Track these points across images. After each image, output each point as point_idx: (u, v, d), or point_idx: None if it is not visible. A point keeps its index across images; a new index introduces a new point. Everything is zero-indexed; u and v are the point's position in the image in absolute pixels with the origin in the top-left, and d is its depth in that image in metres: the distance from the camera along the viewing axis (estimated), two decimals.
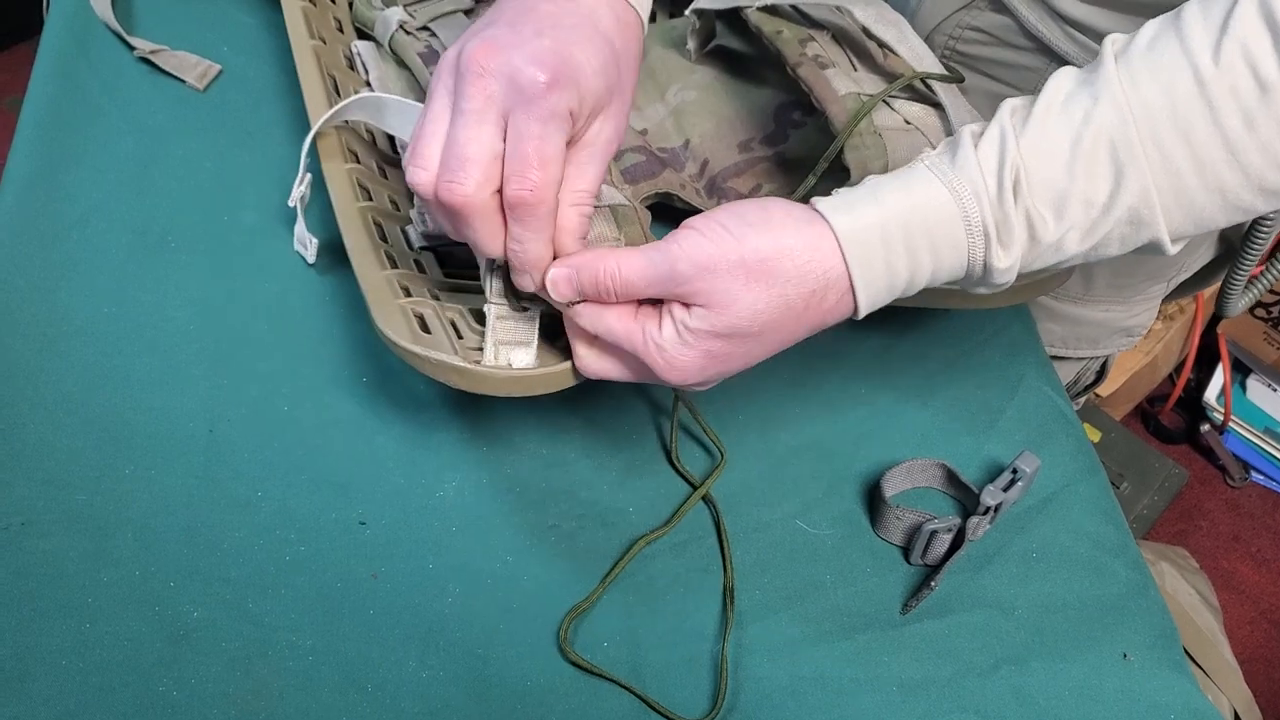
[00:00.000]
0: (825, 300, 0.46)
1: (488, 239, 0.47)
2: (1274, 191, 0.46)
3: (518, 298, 0.52)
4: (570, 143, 0.47)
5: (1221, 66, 0.43)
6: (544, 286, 0.49)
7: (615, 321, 0.48)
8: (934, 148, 0.60)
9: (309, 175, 0.61)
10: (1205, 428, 1.75)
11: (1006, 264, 0.46)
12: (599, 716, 0.53)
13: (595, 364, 0.51)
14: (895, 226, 0.45)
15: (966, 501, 0.62)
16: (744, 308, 0.46)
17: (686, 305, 0.47)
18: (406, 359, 0.51)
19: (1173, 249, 0.47)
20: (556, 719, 0.53)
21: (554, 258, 0.48)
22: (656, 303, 0.48)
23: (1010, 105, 0.47)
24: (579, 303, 0.49)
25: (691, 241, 0.46)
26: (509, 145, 0.45)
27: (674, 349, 0.47)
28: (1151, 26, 0.47)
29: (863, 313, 0.48)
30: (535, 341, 0.52)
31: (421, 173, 0.45)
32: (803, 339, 0.49)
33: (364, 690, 0.52)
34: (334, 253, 0.65)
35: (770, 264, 0.45)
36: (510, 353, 0.51)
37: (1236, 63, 0.43)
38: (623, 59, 0.48)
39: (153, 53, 0.74)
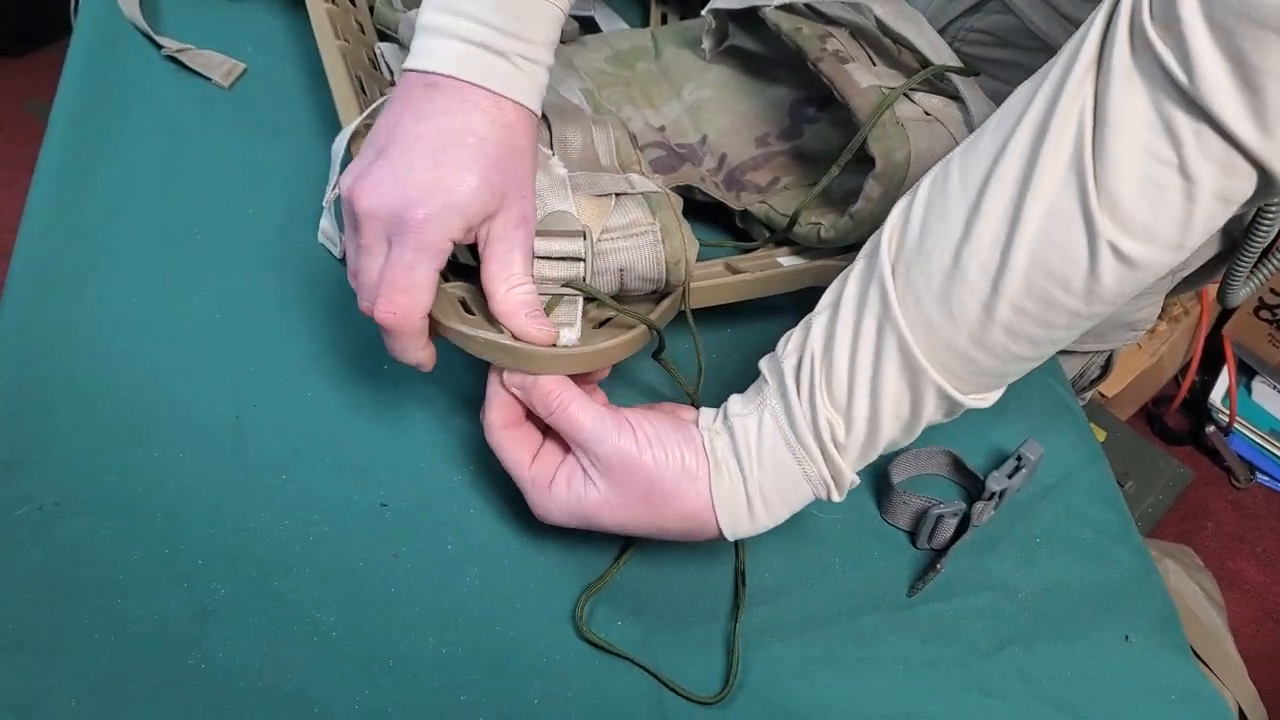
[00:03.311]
0: (694, 534, 0.54)
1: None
2: (1056, 341, 0.49)
3: (557, 283, 0.54)
4: (486, 244, 0.51)
5: (974, 242, 0.46)
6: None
7: (513, 453, 0.54)
8: (954, 137, 0.62)
9: (339, 176, 0.63)
10: (1210, 429, 1.76)
11: (840, 498, 0.53)
12: (613, 693, 0.55)
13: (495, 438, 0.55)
14: (756, 491, 0.52)
15: (972, 488, 0.64)
16: (628, 514, 0.52)
17: (586, 473, 0.53)
18: (453, 339, 0.53)
19: (987, 403, 0.52)
20: (572, 695, 0.54)
21: (513, 337, 0.53)
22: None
23: (814, 347, 0.51)
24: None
25: (629, 437, 0.52)
26: (384, 269, 0.49)
27: (555, 503, 0.53)
28: (922, 198, 0.50)
29: (730, 539, 0.54)
30: (579, 321, 0.54)
31: (353, 280, 0.52)
32: None
33: (385, 665, 0.54)
34: None
35: (669, 499, 0.52)
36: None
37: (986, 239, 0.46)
38: (508, 158, 0.50)
39: (179, 51, 0.76)
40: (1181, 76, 0.40)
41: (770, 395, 0.53)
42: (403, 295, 0.49)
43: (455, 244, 0.50)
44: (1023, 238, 0.44)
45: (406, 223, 0.48)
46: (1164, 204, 0.42)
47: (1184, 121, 0.40)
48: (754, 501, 0.52)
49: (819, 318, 0.52)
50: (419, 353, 0.53)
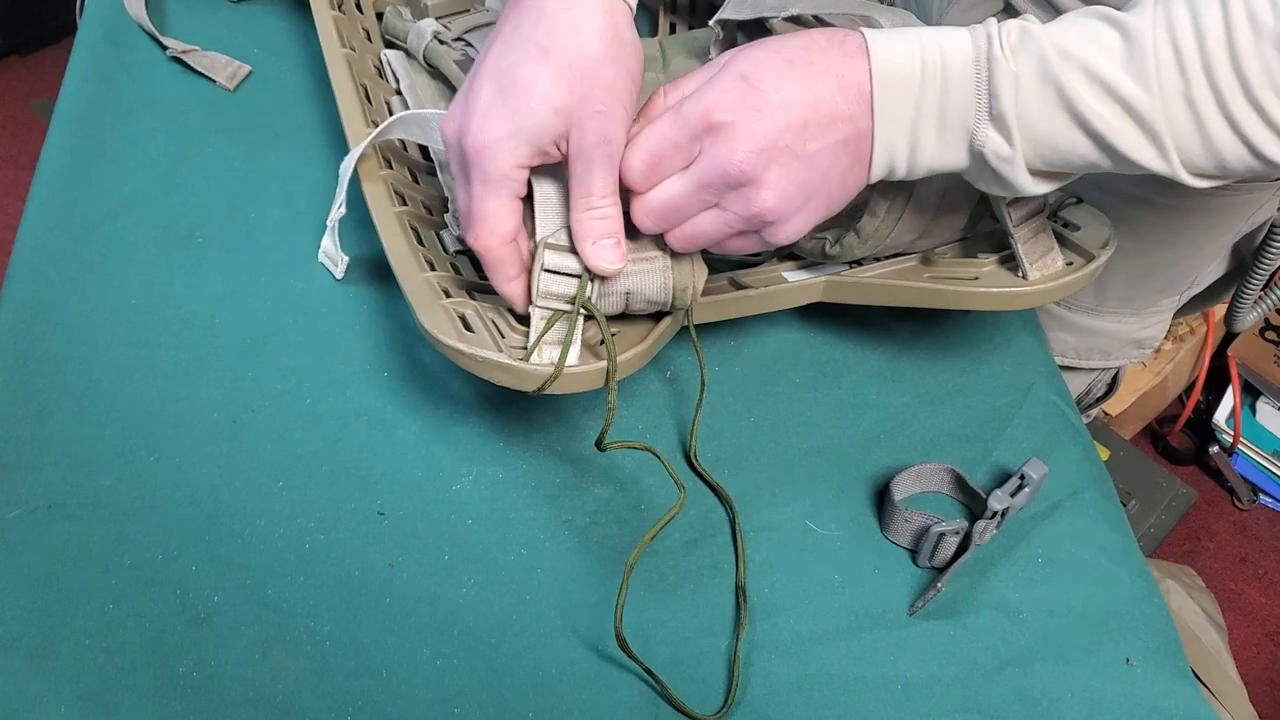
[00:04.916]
0: (844, 95, 0.48)
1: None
2: None
3: (562, 299, 0.53)
4: (569, 161, 0.50)
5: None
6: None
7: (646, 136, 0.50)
8: None
9: (345, 196, 0.62)
10: (1214, 449, 1.75)
11: (1010, 94, 0.47)
12: (608, 707, 0.54)
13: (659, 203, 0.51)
14: (915, 35, 0.48)
15: (974, 506, 0.63)
16: (774, 82, 0.48)
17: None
18: (451, 357, 0.52)
19: (1195, 181, 0.48)
20: (567, 709, 0.54)
21: (578, 261, 0.52)
22: None
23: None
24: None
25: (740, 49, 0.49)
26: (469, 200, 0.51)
27: (705, 86, 0.49)
28: None
29: (878, 161, 0.50)
30: (579, 340, 0.53)
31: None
32: (833, 198, 0.51)
33: (379, 676, 0.53)
34: (356, 256, 0.67)
35: (808, 55, 0.48)
36: (554, 351, 0.52)
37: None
38: (580, 71, 0.48)
39: (184, 52, 0.76)
40: None
41: None
42: (478, 224, 0.50)
43: (533, 169, 0.50)
44: None
45: (468, 153, 0.49)
46: None
47: None
48: (915, 44, 0.48)
49: None
50: (506, 284, 0.53)
